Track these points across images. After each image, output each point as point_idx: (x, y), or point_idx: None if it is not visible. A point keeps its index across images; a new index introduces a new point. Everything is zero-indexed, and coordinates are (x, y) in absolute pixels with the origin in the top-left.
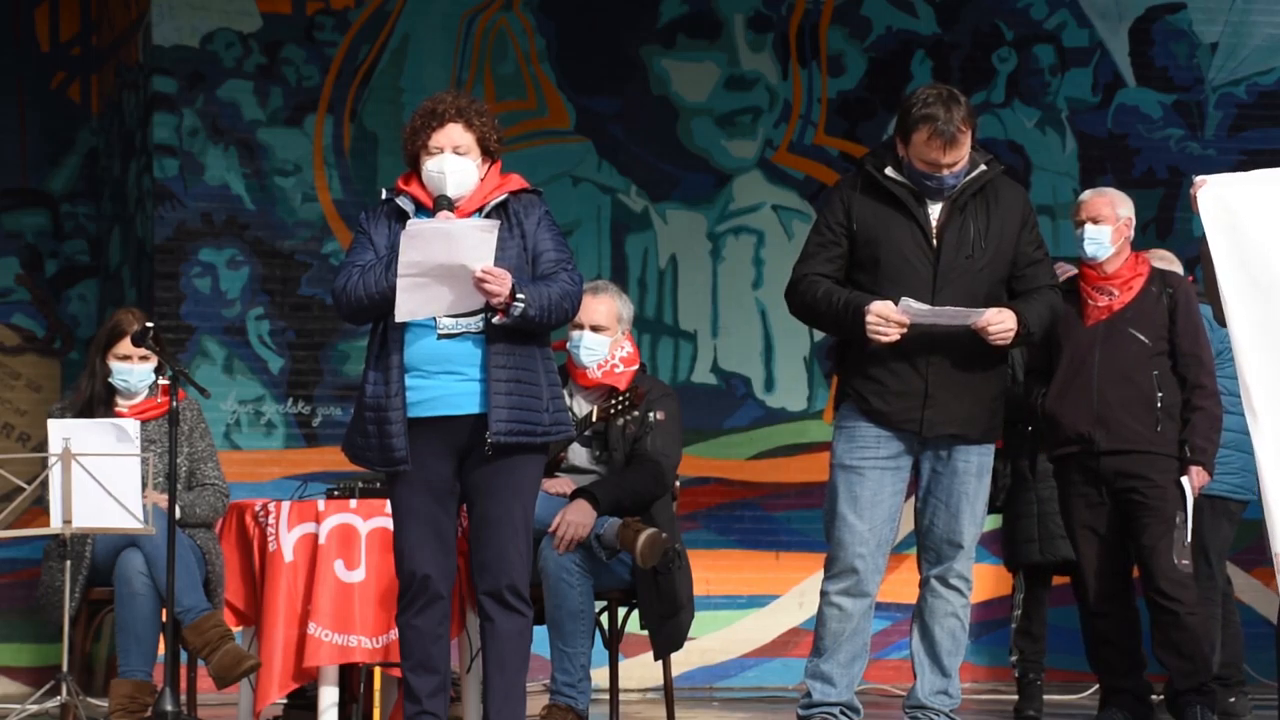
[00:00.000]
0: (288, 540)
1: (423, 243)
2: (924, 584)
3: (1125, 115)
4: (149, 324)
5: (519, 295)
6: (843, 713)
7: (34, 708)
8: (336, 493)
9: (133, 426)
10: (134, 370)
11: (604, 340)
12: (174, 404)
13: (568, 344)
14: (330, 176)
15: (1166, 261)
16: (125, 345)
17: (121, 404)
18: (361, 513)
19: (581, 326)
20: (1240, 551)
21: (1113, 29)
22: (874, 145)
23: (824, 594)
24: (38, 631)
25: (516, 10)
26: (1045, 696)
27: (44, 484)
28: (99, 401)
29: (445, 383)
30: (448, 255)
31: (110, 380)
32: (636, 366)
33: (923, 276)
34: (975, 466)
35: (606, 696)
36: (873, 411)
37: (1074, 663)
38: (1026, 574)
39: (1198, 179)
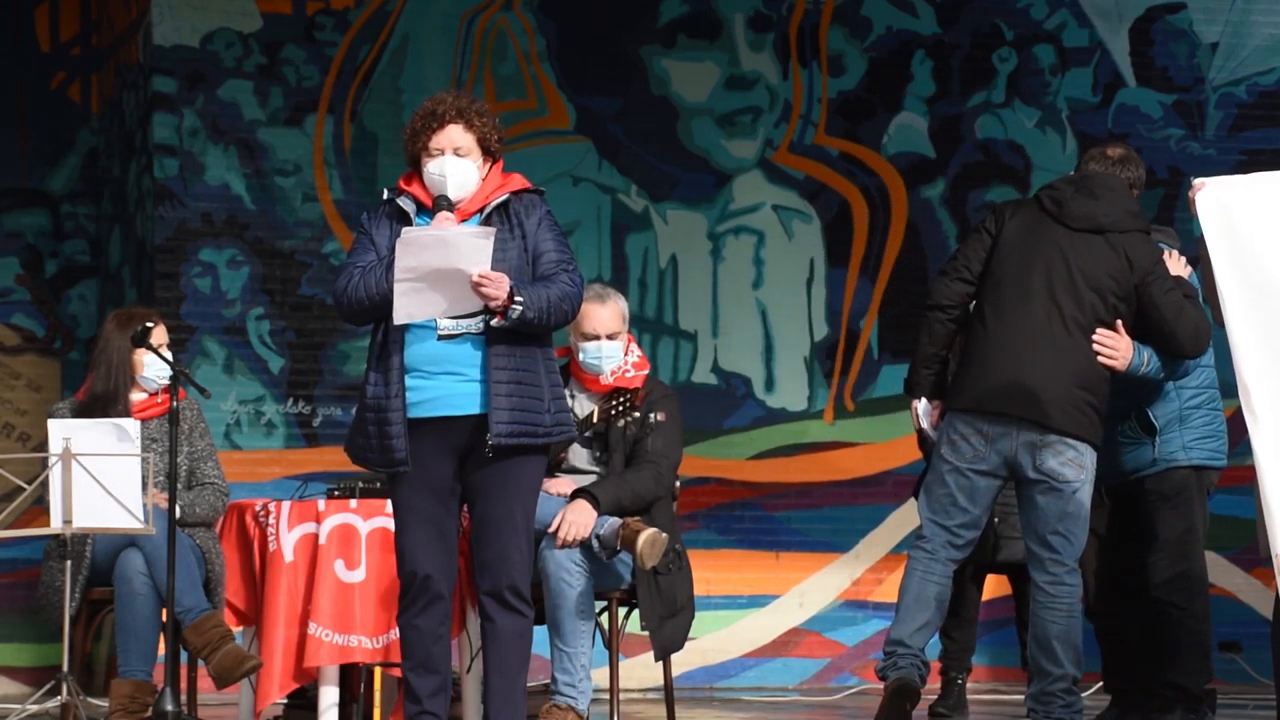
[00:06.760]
0: (288, 540)
1: (418, 249)
2: None
3: (1125, 115)
4: (149, 324)
5: (517, 298)
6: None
7: (34, 708)
8: (337, 493)
9: (133, 426)
10: (157, 363)
11: (619, 345)
12: (174, 403)
13: (582, 357)
14: (330, 176)
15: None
16: (160, 334)
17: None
18: (362, 513)
19: (598, 337)
20: (1240, 551)
21: (1113, 29)
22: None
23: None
24: (38, 631)
25: (516, 10)
26: None
27: (44, 484)
28: (121, 396)
29: (446, 383)
30: (444, 261)
31: (142, 375)
32: (648, 370)
33: None
34: None
35: (606, 696)
36: None
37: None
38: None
39: (1196, 181)
